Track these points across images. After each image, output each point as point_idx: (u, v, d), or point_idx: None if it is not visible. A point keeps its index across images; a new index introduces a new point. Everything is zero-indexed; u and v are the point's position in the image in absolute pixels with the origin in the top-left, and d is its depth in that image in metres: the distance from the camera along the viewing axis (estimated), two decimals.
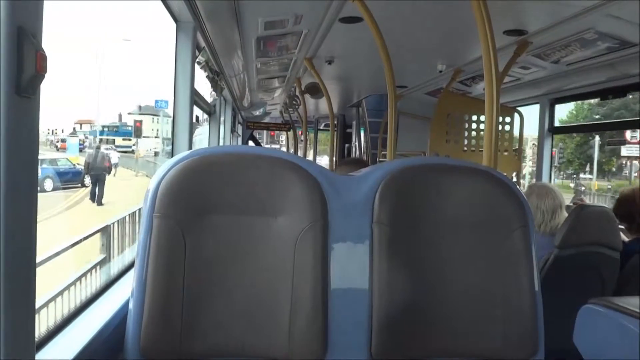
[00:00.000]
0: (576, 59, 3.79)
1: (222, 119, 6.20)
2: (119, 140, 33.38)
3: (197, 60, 3.51)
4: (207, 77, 4.64)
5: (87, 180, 16.14)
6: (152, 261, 1.45)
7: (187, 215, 1.48)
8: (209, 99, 5.56)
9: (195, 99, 3.27)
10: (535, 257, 1.62)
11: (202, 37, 3.34)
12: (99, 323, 1.58)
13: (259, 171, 1.54)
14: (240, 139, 10.67)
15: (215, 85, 5.03)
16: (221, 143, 6.23)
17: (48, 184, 14.99)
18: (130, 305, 1.46)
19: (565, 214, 2.87)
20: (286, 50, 4.57)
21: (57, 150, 26.37)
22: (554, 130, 5.08)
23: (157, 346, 1.43)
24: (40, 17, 0.91)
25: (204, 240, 1.49)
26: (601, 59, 3.64)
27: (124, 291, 1.85)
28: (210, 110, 5.60)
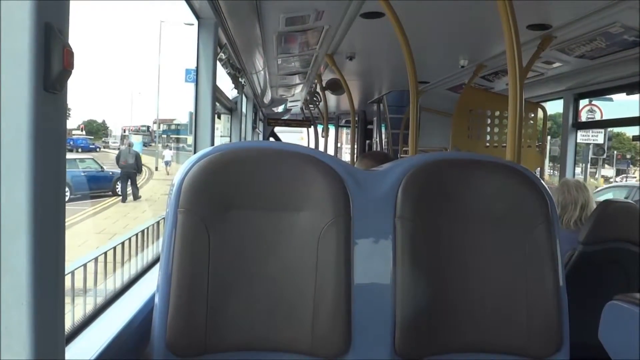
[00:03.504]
0: (601, 53, 3.74)
1: (243, 115, 6.23)
2: (190, 139, 33.47)
3: (219, 57, 3.52)
4: (229, 73, 4.66)
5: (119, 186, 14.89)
6: (177, 256, 1.46)
7: (211, 210, 1.49)
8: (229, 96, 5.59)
9: (217, 95, 3.29)
10: (560, 252, 1.60)
11: (223, 34, 3.35)
12: (126, 317, 1.60)
13: (282, 166, 1.55)
14: (261, 136, 10.70)
15: (236, 82, 5.05)
16: (242, 140, 6.26)
17: None
18: (156, 300, 1.47)
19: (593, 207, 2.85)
20: (307, 46, 4.56)
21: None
22: (579, 126, 5.01)
23: (182, 340, 1.44)
24: (67, 13, 0.91)
25: (227, 235, 1.50)
26: (627, 53, 3.58)
27: (150, 285, 1.87)
28: (231, 107, 5.62)
